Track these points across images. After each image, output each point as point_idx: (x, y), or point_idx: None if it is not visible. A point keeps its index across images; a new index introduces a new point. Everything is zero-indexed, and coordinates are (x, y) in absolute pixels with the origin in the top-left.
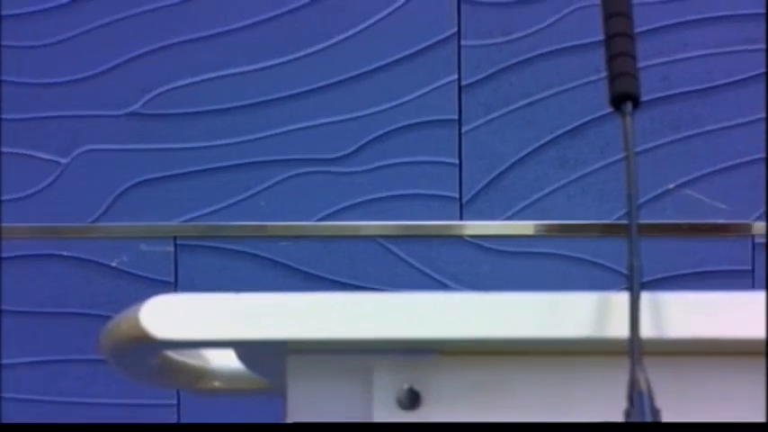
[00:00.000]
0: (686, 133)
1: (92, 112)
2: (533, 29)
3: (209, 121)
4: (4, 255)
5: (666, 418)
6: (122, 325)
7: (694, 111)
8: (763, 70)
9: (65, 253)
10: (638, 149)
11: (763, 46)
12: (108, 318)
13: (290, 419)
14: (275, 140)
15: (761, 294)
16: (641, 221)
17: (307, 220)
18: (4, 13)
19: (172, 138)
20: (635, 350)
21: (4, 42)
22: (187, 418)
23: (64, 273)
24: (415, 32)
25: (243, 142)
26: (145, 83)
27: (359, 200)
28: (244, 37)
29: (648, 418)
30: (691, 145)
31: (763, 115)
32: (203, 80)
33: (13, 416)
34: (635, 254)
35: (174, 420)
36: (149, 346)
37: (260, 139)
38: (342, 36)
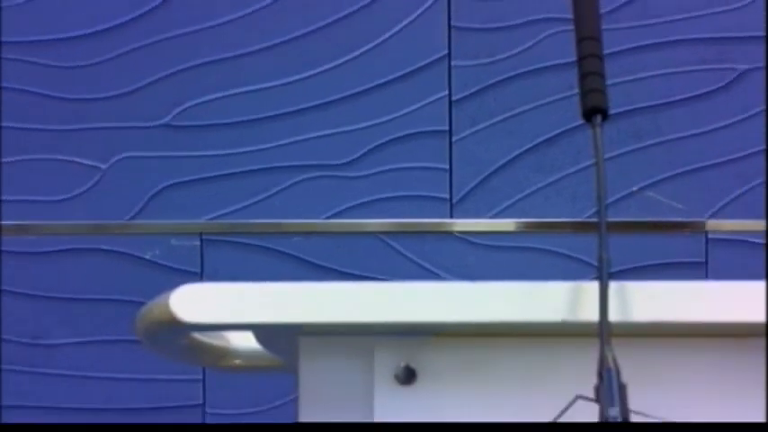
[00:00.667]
0: (648, 142)
1: (128, 123)
2: (515, 51)
3: (231, 132)
4: (53, 248)
5: (631, 392)
6: (155, 310)
7: (654, 122)
8: (709, 88)
9: (104, 247)
10: (606, 156)
11: (715, 66)
12: (142, 303)
13: (300, 394)
14: (289, 149)
15: (712, 283)
16: (609, 219)
17: (316, 218)
18: (55, 36)
19: (198, 146)
20: (603, 332)
21: (54, 63)
22: (212, 393)
23: (104, 264)
24: (410, 54)
25: (261, 150)
26: (175, 98)
27: (362, 201)
28: (262, 58)
29: (615, 393)
30: (651, 152)
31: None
32: (226, 96)
33: (64, 391)
34: (604, 248)
35: (199, 395)
36: (178, 329)
37: (276, 147)
38: (347, 57)
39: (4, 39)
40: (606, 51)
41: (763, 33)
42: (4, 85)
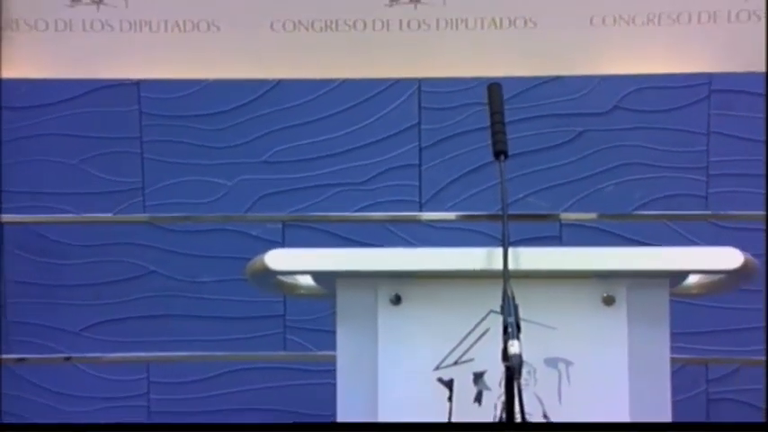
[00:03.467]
0: (528, 170)
1: (244, 160)
2: (454, 121)
3: (300, 165)
4: (203, 229)
5: (521, 309)
6: (257, 263)
7: (530, 159)
8: (560, 142)
9: (230, 228)
10: (507, 178)
11: (561, 129)
12: (249, 260)
13: (338, 310)
14: (331, 174)
15: (563, 249)
16: (509, 213)
17: (346, 212)
18: (209, 111)
19: (282, 173)
20: (506, 275)
21: (207, 126)
22: (290, 307)
23: (231, 238)
24: (398, 122)
25: (314, 175)
26: (269, 146)
27: (370, 203)
28: (311, 127)
29: (511, 309)
30: (531, 175)
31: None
32: (298, 145)
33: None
34: (505, 229)
35: (281, 309)
36: (269, 273)
37: (324, 173)
38: (364, 124)
39: (188, 113)
40: (507, 120)
41: None
42: (185, 140)
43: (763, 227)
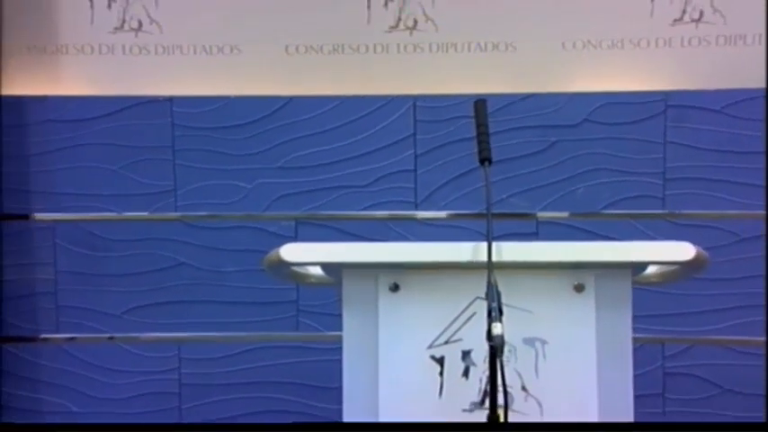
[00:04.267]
0: (510, 174)
1: (261, 165)
2: (447, 131)
3: (312, 170)
4: (227, 226)
5: (503, 296)
6: (273, 255)
7: (511, 165)
8: (533, 150)
9: (251, 225)
10: (493, 180)
11: (536, 139)
12: (266, 252)
13: (343, 297)
14: (339, 177)
15: (541, 243)
16: (493, 212)
17: (352, 211)
18: (233, 123)
19: (295, 177)
20: (490, 266)
21: (230, 137)
22: (302, 293)
23: (252, 233)
24: (397, 132)
25: (324, 178)
26: (284, 153)
27: (373, 203)
28: (321, 138)
29: (495, 295)
30: (512, 179)
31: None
32: (308, 153)
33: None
34: (489, 226)
35: (294, 295)
36: (284, 264)
37: (333, 176)
38: (367, 133)
39: (213, 125)
40: (491, 131)
41: None
42: (211, 149)
43: (711, 224)
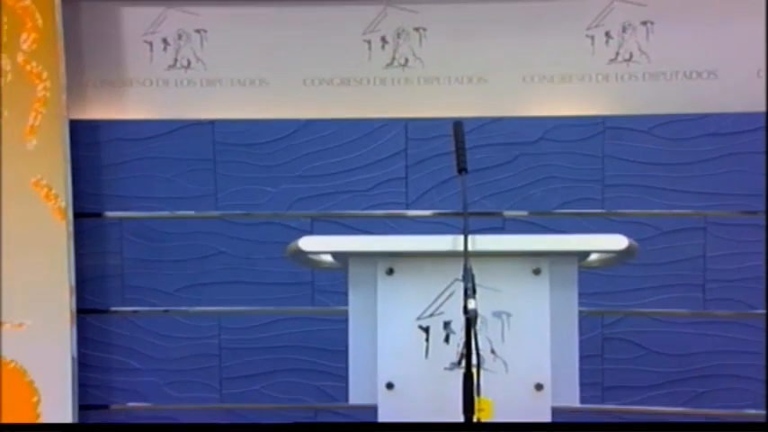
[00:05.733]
0: (482, 181)
1: (284, 174)
2: (432, 146)
3: (325, 178)
4: (255, 222)
5: (477, 278)
6: (293, 246)
7: (483, 174)
8: (501, 162)
9: (276, 221)
10: (468, 186)
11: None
12: (288, 243)
13: (349, 279)
14: (344, 183)
15: (506, 236)
16: (469, 211)
17: (355, 210)
18: (263, 140)
19: (312, 183)
20: (466, 254)
21: (269, 150)
22: (317, 276)
23: (277, 228)
24: (391, 148)
25: (333, 184)
26: (304, 164)
27: (372, 204)
28: (329, 153)
29: (470, 278)
30: (483, 185)
31: None
32: (320, 164)
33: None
34: (466, 223)
35: (310, 276)
36: (302, 253)
37: (340, 182)
38: (367, 149)
39: (246, 141)
40: (467, 146)
41: None
42: (244, 161)
43: (640, 221)
